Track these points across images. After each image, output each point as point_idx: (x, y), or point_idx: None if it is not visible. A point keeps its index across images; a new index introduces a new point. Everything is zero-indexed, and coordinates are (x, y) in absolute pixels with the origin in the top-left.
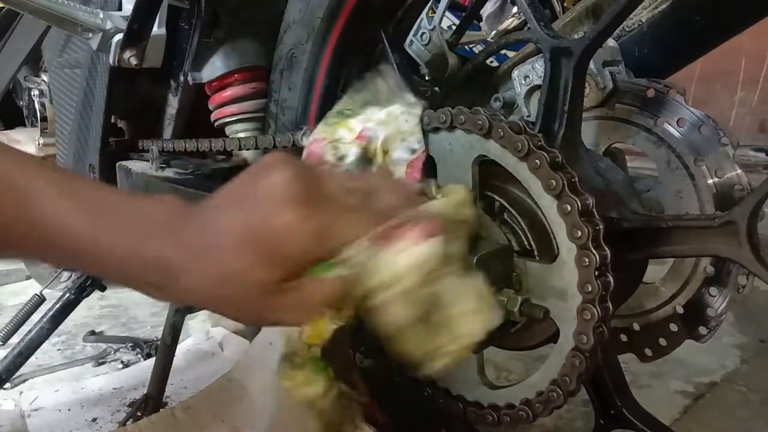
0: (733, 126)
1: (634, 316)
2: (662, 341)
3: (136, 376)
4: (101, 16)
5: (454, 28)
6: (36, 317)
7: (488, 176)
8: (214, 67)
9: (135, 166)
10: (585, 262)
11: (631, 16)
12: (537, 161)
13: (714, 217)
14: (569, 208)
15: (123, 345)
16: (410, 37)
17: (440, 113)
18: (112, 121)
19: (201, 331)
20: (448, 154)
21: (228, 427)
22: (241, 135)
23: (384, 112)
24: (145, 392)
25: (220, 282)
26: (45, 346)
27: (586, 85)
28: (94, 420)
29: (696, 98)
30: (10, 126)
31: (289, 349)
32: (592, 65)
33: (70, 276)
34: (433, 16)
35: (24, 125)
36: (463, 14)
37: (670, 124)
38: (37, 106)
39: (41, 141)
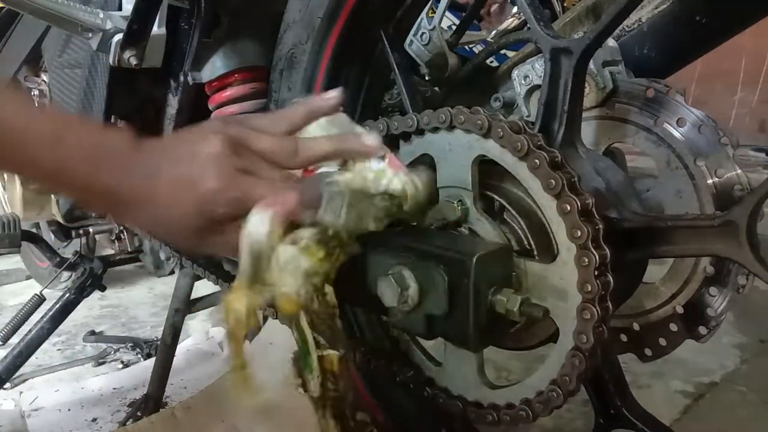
0: (733, 126)
1: (634, 316)
2: (662, 341)
3: (136, 376)
4: (101, 16)
5: (454, 28)
6: (36, 317)
7: (488, 176)
8: (214, 67)
9: None
10: (585, 262)
11: (631, 16)
12: (536, 161)
13: (714, 216)
14: (569, 207)
15: (123, 345)
16: (410, 37)
17: (440, 113)
18: (112, 121)
19: (201, 331)
20: (447, 153)
21: (228, 427)
22: None
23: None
24: (145, 392)
25: (158, 221)
26: (45, 346)
27: (586, 84)
28: (94, 420)
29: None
30: None
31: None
32: (591, 65)
33: (70, 276)
34: (433, 16)
35: None
36: (463, 14)
37: (669, 124)
38: None
39: None
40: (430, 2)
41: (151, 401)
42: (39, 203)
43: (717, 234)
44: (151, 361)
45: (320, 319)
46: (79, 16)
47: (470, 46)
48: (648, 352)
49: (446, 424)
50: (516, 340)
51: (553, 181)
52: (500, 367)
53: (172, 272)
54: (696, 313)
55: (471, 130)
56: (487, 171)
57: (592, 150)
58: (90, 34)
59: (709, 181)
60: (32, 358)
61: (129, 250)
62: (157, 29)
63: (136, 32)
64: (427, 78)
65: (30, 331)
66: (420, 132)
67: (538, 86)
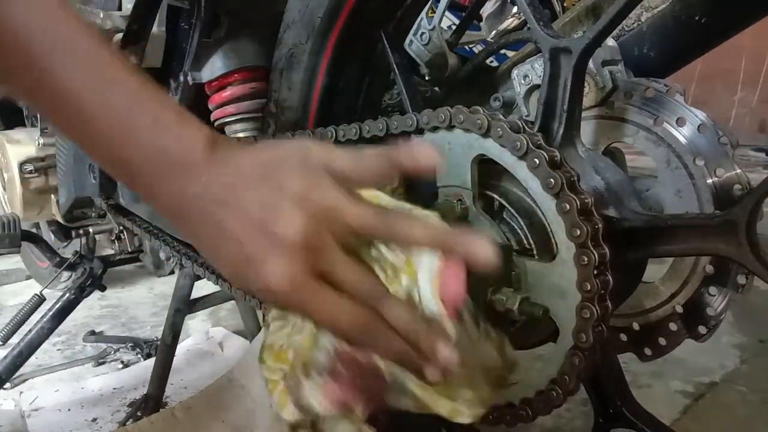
0: (733, 126)
1: (634, 316)
2: (662, 340)
3: (136, 376)
4: (101, 16)
5: (454, 28)
6: (36, 317)
7: (487, 175)
8: (214, 67)
9: None
10: (584, 261)
11: (630, 16)
12: (536, 160)
13: (713, 216)
14: (568, 207)
15: (123, 345)
16: (410, 36)
17: (439, 112)
18: None
19: (201, 331)
20: (447, 153)
21: (228, 427)
22: (241, 135)
23: None
24: (145, 392)
25: (206, 250)
26: (45, 346)
27: (586, 84)
28: (94, 420)
29: (696, 98)
30: (10, 126)
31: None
32: (591, 65)
33: (70, 276)
34: (433, 16)
35: (24, 125)
36: (463, 14)
37: (669, 124)
38: None
39: (41, 141)
40: (430, 2)
41: (151, 401)
42: (39, 203)
43: (717, 233)
44: (151, 361)
45: None
46: None
47: (470, 46)
48: (648, 351)
49: (446, 424)
50: (515, 339)
51: (552, 180)
52: None
53: (172, 272)
54: (696, 313)
55: (470, 130)
56: (486, 170)
57: (591, 150)
58: None
59: (709, 181)
60: (32, 358)
61: (129, 250)
62: (157, 29)
63: (136, 32)
64: (427, 78)
65: (30, 331)
66: (419, 131)
67: (537, 86)
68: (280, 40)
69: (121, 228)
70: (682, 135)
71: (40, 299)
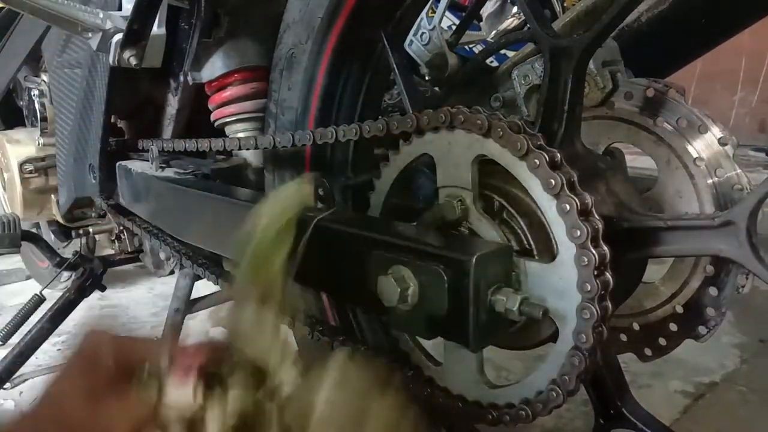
0: (733, 126)
1: (634, 316)
2: (662, 341)
3: None
4: (101, 16)
5: (454, 28)
6: (36, 317)
7: (487, 176)
8: (214, 67)
9: (135, 166)
10: (584, 262)
11: (631, 16)
12: (536, 161)
13: (713, 216)
14: (568, 207)
15: None
16: (410, 37)
17: (439, 113)
18: (112, 121)
19: (201, 331)
20: (447, 153)
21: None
22: (241, 135)
23: None
24: None
25: None
26: (45, 346)
27: (586, 84)
28: None
29: (696, 98)
30: (10, 126)
31: None
32: (591, 65)
33: (70, 276)
34: (433, 16)
35: (24, 125)
36: (463, 14)
37: (669, 124)
38: (37, 106)
39: (41, 141)
40: (430, 2)
41: None
42: (39, 203)
43: (717, 234)
44: None
45: None
46: (79, 16)
47: (470, 46)
48: (648, 351)
49: (446, 423)
50: (516, 339)
51: (552, 180)
52: (500, 366)
53: (172, 272)
54: (696, 313)
55: (471, 130)
56: (486, 171)
57: (592, 150)
58: (90, 34)
59: (709, 181)
60: (32, 358)
61: (129, 250)
62: (157, 29)
63: (136, 32)
64: (427, 78)
65: (30, 331)
66: (420, 132)
67: (538, 86)
68: (280, 40)
69: (121, 228)
70: (682, 135)
71: (40, 299)
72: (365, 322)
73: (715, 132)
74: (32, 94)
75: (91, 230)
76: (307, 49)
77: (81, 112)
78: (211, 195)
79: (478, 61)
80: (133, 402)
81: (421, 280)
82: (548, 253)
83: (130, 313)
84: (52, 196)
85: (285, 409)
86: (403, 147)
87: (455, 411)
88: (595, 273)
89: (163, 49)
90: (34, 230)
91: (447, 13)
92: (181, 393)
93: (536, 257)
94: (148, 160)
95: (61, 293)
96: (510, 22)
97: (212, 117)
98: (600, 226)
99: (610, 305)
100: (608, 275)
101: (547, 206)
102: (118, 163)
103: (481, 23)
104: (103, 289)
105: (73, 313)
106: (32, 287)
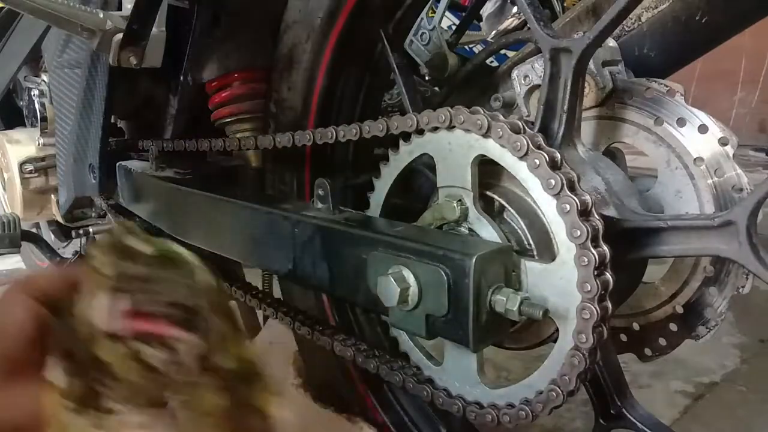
0: (733, 126)
1: (634, 316)
2: (662, 341)
3: None
4: (101, 16)
5: (454, 28)
6: None
7: (488, 176)
8: (214, 67)
9: (135, 166)
10: (584, 262)
11: (630, 16)
12: (536, 161)
13: (713, 216)
14: (568, 207)
15: None
16: (410, 37)
17: (439, 113)
18: (112, 121)
19: None
20: (447, 153)
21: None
22: (241, 135)
23: None
24: None
25: None
26: None
27: (586, 84)
28: None
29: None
30: (10, 126)
31: None
32: (591, 65)
33: None
34: (433, 16)
35: (24, 125)
36: (463, 14)
37: (669, 124)
38: (37, 106)
39: (41, 141)
40: (430, 2)
41: None
42: (39, 203)
43: (717, 234)
44: None
45: None
46: (79, 16)
47: (470, 46)
48: (648, 351)
49: (446, 423)
50: (516, 339)
51: (552, 180)
52: (500, 366)
53: None
54: (696, 313)
55: (471, 130)
56: (487, 171)
57: (592, 150)
58: (90, 34)
59: (709, 181)
60: None
61: None
62: (157, 29)
63: (136, 32)
64: (427, 78)
65: None
66: (420, 132)
67: (537, 86)
68: (280, 40)
69: None
70: (682, 135)
71: None
72: (365, 321)
73: (715, 132)
74: (32, 94)
75: (91, 230)
76: (307, 49)
77: (81, 112)
78: (211, 195)
79: (478, 61)
80: (41, 384)
81: (421, 280)
82: (548, 253)
83: None
84: (52, 196)
85: None
86: (403, 147)
87: (455, 411)
88: (595, 273)
89: (163, 49)
90: (34, 230)
91: (447, 13)
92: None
93: (536, 257)
94: (148, 160)
95: None
96: (510, 22)
97: (212, 117)
98: (600, 226)
99: (610, 305)
100: (608, 275)
101: (547, 206)
102: (118, 163)
103: (481, 23)
104: None
105: None
106: None
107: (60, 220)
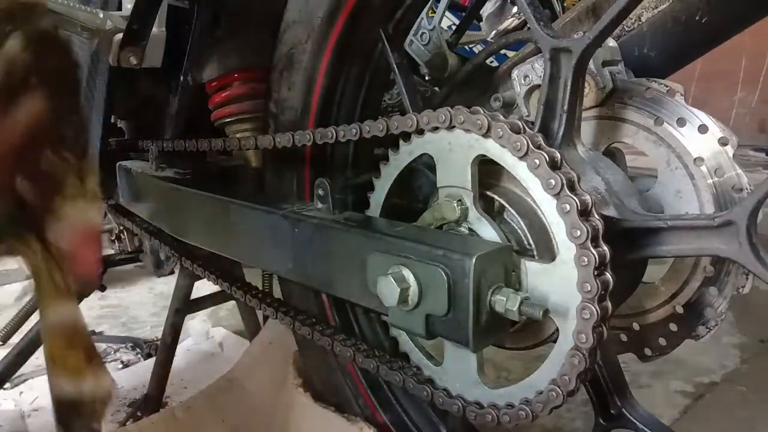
0: (733, 126)
1: (634, 316)
2: (662, 341)
3: (136, 376)
4: (101, 16)
5: (454, 28)
6: (36, 317)
7: (488, 176)
8: (214, 67)
9: (135, 166)
10: (584, 262)
11: (630, 16)
12: (536, 161)
13: (713, 216)
14: (568, 207)
15: (123, 345)
16: (410, 37)
17: (439, 113)
18: (112, 121)
19: (201, 331)
20: (447, 153)
21: (228, 427)
22: (241, 135)
23: None
24: (145, 392)
25: None
26: None
27: (586, 84)
28: None
29: (696, 98)
30: None
31: None
32: (591, 65)
33: None
34: (433, 16)
35: None
36: (463, 14)
37: (669, 124)
38: None
39: None
40: (430, 2)
41: (151, 401)
42: None
43: (717, 234)
44: (151, 361)
45: None
46: (79, 16)
47: (470, 46)
48: (648, 351)
49: (446, 423)
50: (516, 339)
51: (552, 180)
52: (500, 366)
53: (172, 272)
54: (696, 313)
55: (471, 130)
56: (486, 171)
57: (592, 150)
58: (90, 34)
59: (709, 181)
60: (32, 358)
61: (129, 250)
62: (157, 29)
63: (136, 32)
64: (427, 78)
65: (30, 331)
66: (420, 132)
67: (537, 86)
68: (280, 40)
69: (121, 228)
70: (682, 135)
71: None
72: (365, 321)
73: (715, 132)
74: None
75: None
76: (307, 49)
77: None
78: (211, 195)
79: (478, 61)
80: None
81: (421, 280)
82: (548, 253)
83: (130, 313)
84: None
85: None
86: (403, 147)
87: (455, 411)
88: (595, 273)
89: (163, 49)
90: None
91: (447, 13)
92: None
93: (536, 257)
94: (147, 160)
95: None
96: (510, 22)
97: (212, 117)
98: (600, 226)
99: (610, 305)
100: (608, 275)
101: (547, 206)
102: (118, 163)
103: (481, 23)
104: (103, 289)
105: None
106: (32, 287)
107: None
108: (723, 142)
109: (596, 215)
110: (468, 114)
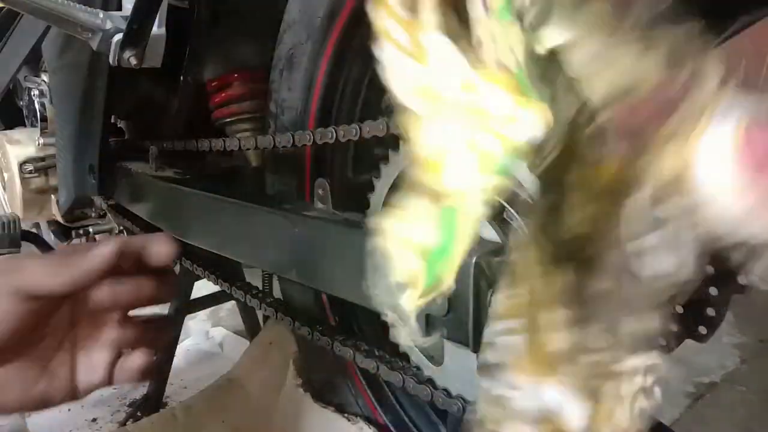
0: None
1: None
2: (662, 341)
3: None
4: (101, 16)
5: None
6: None
7: None
8: (214, 67)
9: (135, 166)
10: None
11: None
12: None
13: None
14: None
15: None
16: None
17: None
18: (112, 121)
19: (201, 331)
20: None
21: (228, 427)
22: (241, 135)
23: None
24: (145, 392)
25: None
26: None
27: None
28: (94, 420)
29: None
30: (10, 126)
31: None
32: None
33: None
34: None
35: (24, 125)
36: None
37: None
38: (37, 106)
39: (41, 141)
40: None
41: (151, 401)
42: (39, 203)
43: None
44: None
45: None
46: (79, 16)
47: None
48: None
49: (445, 423)
50: None
51: None
52: None
53: None
54: (696, 313)
55: None
56: None
57: None
58: (90, 34)
59: None
60: None
61: None
62: (157, 29)
63: (136, 32)
64: None
65: None
66: None
67: None
68: (280, 40)
69: (121, 228)
70: None
71: None
72: (365, 321)
73: None
74: (32, 94)
75: (91, 230)
76: (307, 49)
77: (81, 112)
78: (211, 195)
79: None
80: None
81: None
82: None
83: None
84: (52, 196)
85: None
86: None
87: (455, 411)
88: None
89: (163, 49)
90: (34, 230)
91: None
92: None
93: None
94: (148, 160)
95: None
96: None
97: (212, 117)
98: None
99: None
100: None
101: None
102: (118, 163)
103: None
104: None
105: None
106: None
107: (60, 220)
108: None
109: None
110: None
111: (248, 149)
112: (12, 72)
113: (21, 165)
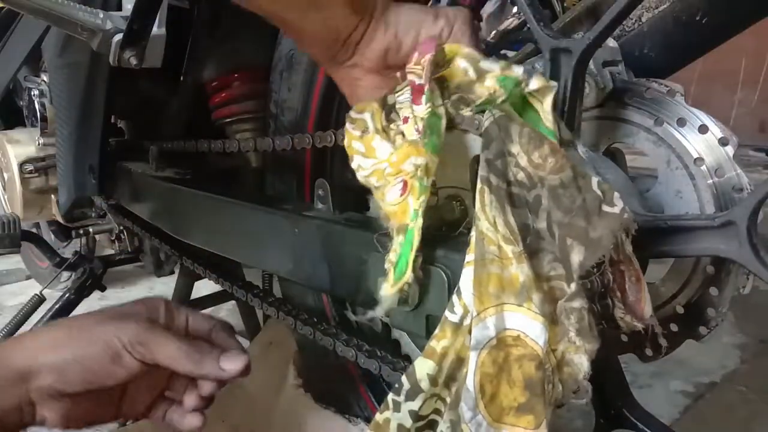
0: (733, 126)
1: None
2: (662, 341)
3: None
4: (101, 16)
5: None
6: (36, 317)
7: None
8: (214, 67)
9: (135, 166)
10: None
11: (631, 16)
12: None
13: (714, 216)
14: None
15: None
16: None
17: None
18: (112, 121)
19: None
20: (447, 153)
21: (228, 426)
22: (241, 135)
23: None
24: None
25: None
26: None
27: (586, 85)
28: None
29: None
30: (10, 126)
31: None
32: (592, 65)
33: (70, 276)
34: None
35: (24, 125)
36: None
37: (670, 124)
38: (37, 106)
39: (41, 141)
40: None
41: None
42: (39, 203)
43: (717, 234)
44: None
45: None
46: (79, 16)
47: None
48: (648, 352)
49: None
50: None
51: None
52: None
53: (172, 272)
54: (696, 314)
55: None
56: None
57: (592, 150)
58: (90, 34)
59: (709, 182)
60: None
61: (129, 250)
62: (157, 29)
63: (136, 32)
64: None
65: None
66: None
67: None
68: (280, 40)
69: (121, 228)
70: (682, 135)
71: (40, 299)
72: (365, 322)
73: (716, 132)
74: (32, 94)
75: (91, 230)
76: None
77: (81, 112)
78: (211, 195)
79: None
80: None
81: (421, 281)
82: None
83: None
84: (52, 196)
85: None
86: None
87: None
88: (596, 272)
89: (163, 49)
90: (34, 230)
91: None
92: None
93: None
94: (147, 160)
95: (61, 293)
96: (510, 22)
97: (212, 117)
98: None
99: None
100: (609, 274)
101: None
102: (118, 163)
103: (481, 23)
104: (103, 289)
105: (72, 313)
106: (32, 287)
107: (60, 220)
108: (723, 142)
109: None
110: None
111: (248, 150)
112: (12, 72)
113: (21, 165)
